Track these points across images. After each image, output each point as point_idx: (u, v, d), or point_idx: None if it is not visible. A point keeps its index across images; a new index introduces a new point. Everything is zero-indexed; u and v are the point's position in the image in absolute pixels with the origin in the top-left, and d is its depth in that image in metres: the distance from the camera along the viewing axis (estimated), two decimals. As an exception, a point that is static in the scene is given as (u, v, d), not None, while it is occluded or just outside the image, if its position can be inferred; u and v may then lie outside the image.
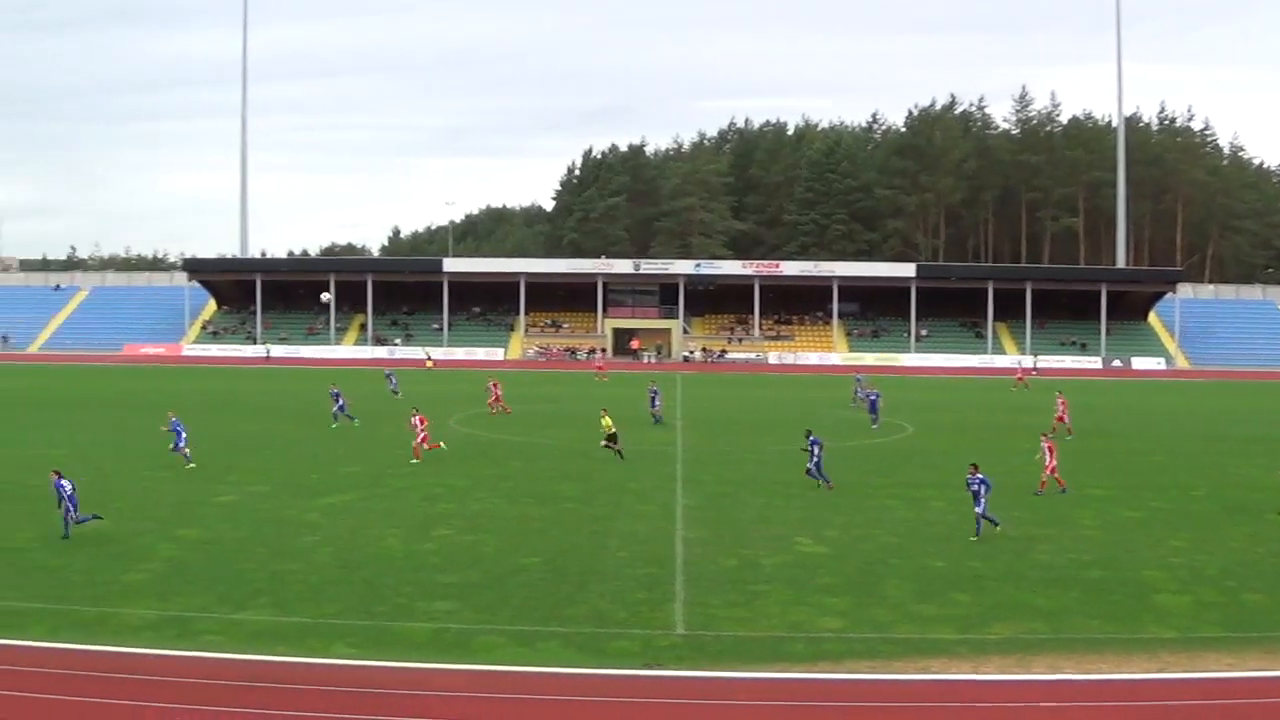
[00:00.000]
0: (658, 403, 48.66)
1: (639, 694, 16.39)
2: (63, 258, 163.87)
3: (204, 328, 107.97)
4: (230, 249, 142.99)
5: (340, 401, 46.80)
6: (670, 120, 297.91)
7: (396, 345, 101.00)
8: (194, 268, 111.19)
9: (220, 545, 24.42)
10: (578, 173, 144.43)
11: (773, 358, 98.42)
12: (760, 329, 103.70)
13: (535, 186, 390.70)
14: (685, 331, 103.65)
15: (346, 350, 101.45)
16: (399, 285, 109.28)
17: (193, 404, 52.00)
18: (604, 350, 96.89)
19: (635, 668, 17.23)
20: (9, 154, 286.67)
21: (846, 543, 25.40)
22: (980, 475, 25.71)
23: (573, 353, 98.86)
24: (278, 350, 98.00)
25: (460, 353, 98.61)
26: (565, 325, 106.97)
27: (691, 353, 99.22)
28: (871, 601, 20.74)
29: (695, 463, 37.23)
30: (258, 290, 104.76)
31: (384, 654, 17.51)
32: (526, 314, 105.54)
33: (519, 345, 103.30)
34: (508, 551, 24.34)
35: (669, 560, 23.71)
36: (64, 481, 25.09)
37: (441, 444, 37.91)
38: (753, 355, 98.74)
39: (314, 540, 25.11)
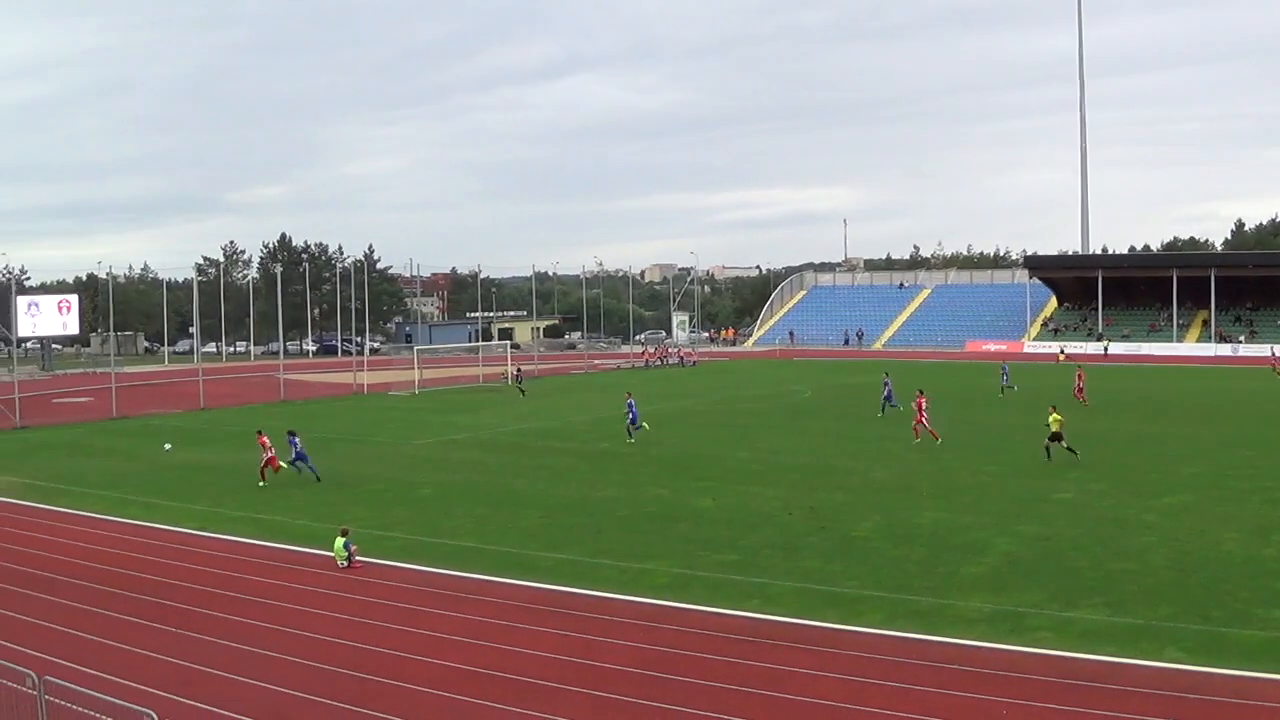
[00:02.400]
0: None
1: None
2: (906, 257, 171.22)
3: (1044, 324, 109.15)
4: (1071, 245, 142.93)
5: (889, 390, 48.43)
6: None
7: (1240, 343, 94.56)
8: (1035, 265, 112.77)
9: (1056, 542, 24.89)
10: None
11: None
12: None
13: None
14: None
15: (1188, 347, 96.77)
16: (1243, 280, 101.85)
17: (1036, 400, 52.99)
18: None
19: None
20: (852, 159, 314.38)
21: None
22: None
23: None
24: (1116, 348, 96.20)
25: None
26: None
27: None
28: None
29: None
30: (1099, 286, 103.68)
31: (1215, 660, 16.94)
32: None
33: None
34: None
35: None
36: (297, 439, 33.84)
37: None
38: None
39: (1151, 541, 24.77)
